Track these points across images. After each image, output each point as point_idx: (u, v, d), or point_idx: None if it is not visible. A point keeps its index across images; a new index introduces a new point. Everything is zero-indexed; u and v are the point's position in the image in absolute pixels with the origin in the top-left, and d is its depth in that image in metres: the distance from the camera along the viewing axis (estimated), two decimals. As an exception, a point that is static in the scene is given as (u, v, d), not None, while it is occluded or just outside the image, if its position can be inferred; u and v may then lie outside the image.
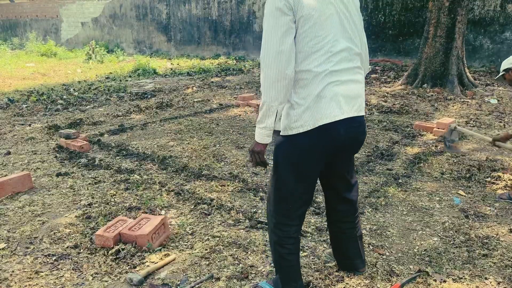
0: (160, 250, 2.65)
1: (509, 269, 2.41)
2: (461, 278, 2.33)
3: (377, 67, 10.29)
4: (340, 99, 1.86)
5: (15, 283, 2.33)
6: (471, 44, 9.72)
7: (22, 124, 5.77)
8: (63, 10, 17.67)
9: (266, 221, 2.99)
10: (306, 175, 1.97)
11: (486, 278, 2.33)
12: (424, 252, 2.60)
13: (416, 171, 3.95)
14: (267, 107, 1.81)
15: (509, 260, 2.49)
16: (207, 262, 2.51)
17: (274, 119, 1.83)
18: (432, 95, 7.21)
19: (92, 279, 2.36)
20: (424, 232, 2.86)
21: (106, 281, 2.34)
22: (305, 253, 2.59)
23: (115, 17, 16.56)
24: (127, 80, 9.62)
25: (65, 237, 2.81)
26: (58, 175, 3.87)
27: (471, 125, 5.48)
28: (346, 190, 2.19)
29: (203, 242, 2.73)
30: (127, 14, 16.21)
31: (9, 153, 4.54)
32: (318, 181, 2.15)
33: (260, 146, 1.91)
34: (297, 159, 1.92)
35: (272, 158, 2.01)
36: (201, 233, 2.85)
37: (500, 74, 3.31)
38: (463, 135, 4.73)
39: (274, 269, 2.23)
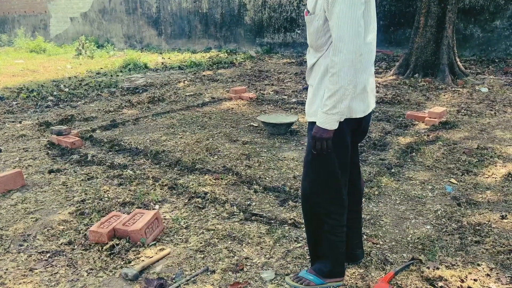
0: (155, 244, 2.65)
1: (501, 255, 2.44)
2: (454, 265, 2.35)
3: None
4: (369, 92, 2.00)
5: (9, 280, 2.32)
6: (461, 33, 9.75)
7: (13, 122, 5.72)
8: (52, 6, 17.45)
9: (261, 213, 3.00)
10: (347, 160, 2.06)
11: (478, 265, 2.35)
12: (417, 240, 2.63)
13: (409, 160, 3.98)
14: (343, 91, 1.80)
15: (501, 246, 2.52)
16: (202, 255, 2.51)
17: (347, 103, 1.84)
18: (424, 84, 7.23)
19: (87, 275, 2.35)
20: (417, 220, 2.89)
21: (101, 277, 2.33)
22: (299, 244, 2.60)
23: (104, 11, 16.39)
24: (118, 75, 9.55)
25: (58, 233, 2.79)
26: (50, 172, 3.85)
27: (463, 113, 5.52)
28: (357, 178, 2.27)
29: (197, 236, 2.73)
30: (117, 8, 16.04)
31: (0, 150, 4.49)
32: None
33: (330, 132, 1.88)
34: (340, 145, 2.00)
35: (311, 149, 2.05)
36: (195, 226, 2.86)
37: None
38: None
39: (311, 258, 2.27)
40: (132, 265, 2.42)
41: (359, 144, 4.36)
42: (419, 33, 7.72)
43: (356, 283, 2.23)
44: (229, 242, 2.65)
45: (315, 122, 1.97)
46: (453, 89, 6.93)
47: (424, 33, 7.64)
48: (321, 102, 1.93)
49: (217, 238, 2.69)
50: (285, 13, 12.42)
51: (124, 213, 3.00)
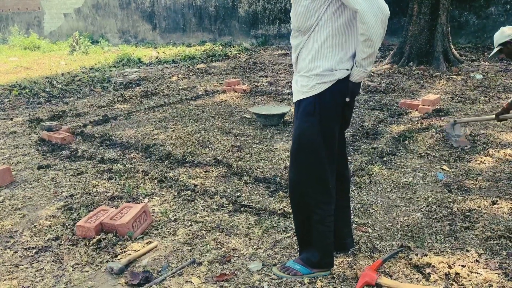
0: (142, 238, 2.62)
1: (490, 240, 2.42)
2: (443, 251, 2.33)
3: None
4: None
5: (-5, 277, 2.30)
6: (456, 20, 9.67)
7: (4, 119, 5.67)
8: (45, 2, 17.32)
9: (250, 204, 2.98)
10: (334, 148, 2.05)
11: (467, 251, 2.33)
12: (407, 228, 2.60)
13: (401, 148, 3.95)
14: (376, 50, 1.87)
15: (491, 232, 2.50)
16: (190, 248, 2.49)
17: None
18: (418, 72, 7.18)
19: (72, 270, 2.33)
20: (407, 208, 2.86)
21: (87, 272, 2.31)
22: (288, 234, 2.58)
23: (98, 7, 16.27)
24: (111, 70, 9.48)
25: (45, 229, 2.77)
26: (39, 168, 3.82)
27: (457, 100, 5.48)
28: (344, 167, 2.25)
29: (185, 228, 2.71)
30: (110, 3, 15.92)
31: (-10, 148, 4.46)
32: None
33: (359, 85, 2.00)
34: (328, 131, 1.99)
35: (297, 139, 2.04)
36: (184, 219, 2.83)
37: (496, 49, 3.18)
38: (466, 124, 4.39)
39: (299, 248, 2.26)
40: (119, 259, 2.39)
41: (352, 133, 4.36)
42: (413, 20, 7.66)
43: (344, 272, 2.20)
44: (217, 234, 2.62)
45: (303, 100, 1.97)
46: (447, 76, 6.88)
47: (418, 20, 7.58)
48: (326, 68, 1.93)
49: (205, 230, 2.67)
50: (279, 4, 12.33)
51: (112, 207, 2.97)
